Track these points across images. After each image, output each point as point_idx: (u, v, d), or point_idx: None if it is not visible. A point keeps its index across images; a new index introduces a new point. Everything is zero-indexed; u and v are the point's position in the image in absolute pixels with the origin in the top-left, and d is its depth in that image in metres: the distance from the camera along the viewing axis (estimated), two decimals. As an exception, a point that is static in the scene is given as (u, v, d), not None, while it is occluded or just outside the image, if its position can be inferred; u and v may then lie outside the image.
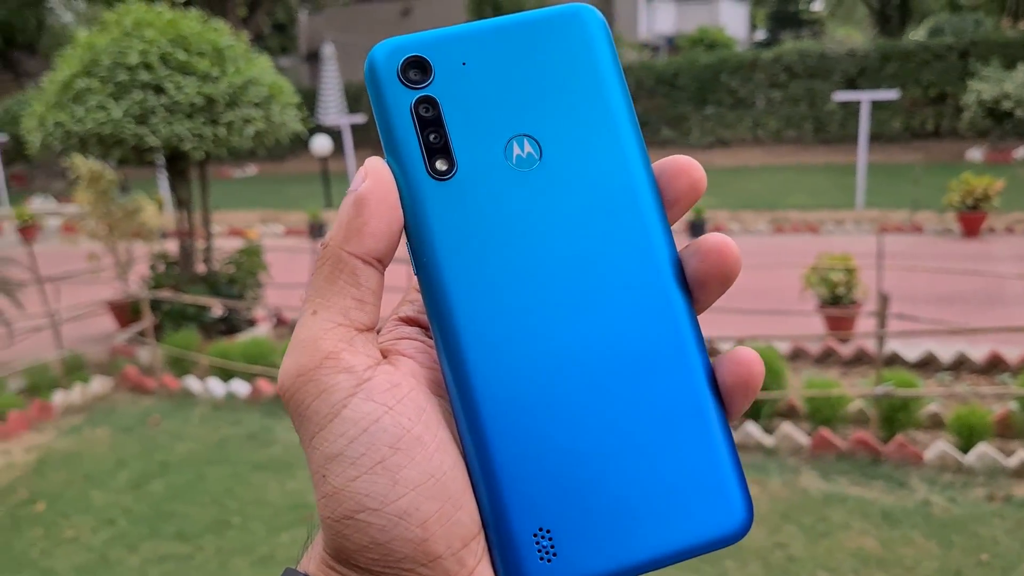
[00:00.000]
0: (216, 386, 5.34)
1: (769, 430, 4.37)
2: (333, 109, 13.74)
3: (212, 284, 6.39)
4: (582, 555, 0.35)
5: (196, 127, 5.66)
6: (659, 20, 28.73)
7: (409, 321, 0.40)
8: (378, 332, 0.39)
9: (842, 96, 11.99)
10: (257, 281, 6.61)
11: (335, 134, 14.55)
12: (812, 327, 5.98)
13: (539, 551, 0.35)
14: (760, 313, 6.37)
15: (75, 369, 5.80)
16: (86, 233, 6.91)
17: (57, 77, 5.81)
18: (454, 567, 0.35)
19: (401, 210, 0.37)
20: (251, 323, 6.64)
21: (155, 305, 6.07)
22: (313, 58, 21.57)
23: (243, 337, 6.12)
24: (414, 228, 0.37)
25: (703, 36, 21.43)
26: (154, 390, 5.50)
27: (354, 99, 18.29)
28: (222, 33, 6.02)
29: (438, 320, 0.36)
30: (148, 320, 5.68)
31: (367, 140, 19.60)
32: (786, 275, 6.73)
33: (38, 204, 15.48)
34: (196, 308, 6.16)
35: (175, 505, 4.00)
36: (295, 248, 8.23)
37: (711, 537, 0.36)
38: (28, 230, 12.36)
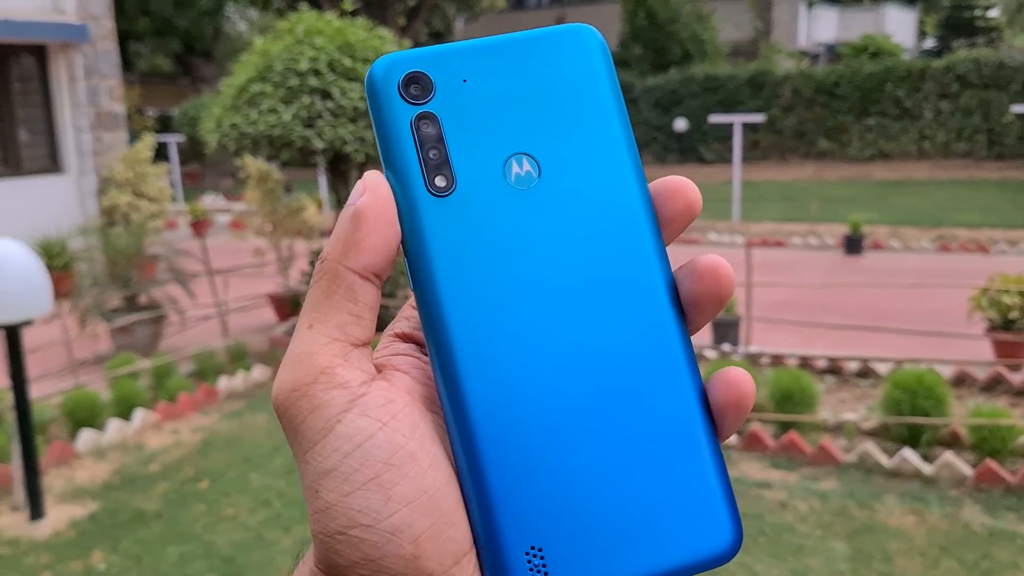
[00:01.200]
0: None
1: (928, 458, 4.15)
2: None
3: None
4: (573, 573, 0.36)
5: (358, 131, 5.89)
6: (820, 28, 27.79)
7: (405, 337, 0.40)
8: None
9: (1021, 108, 11.23)
10: (407, 280, 6.81)
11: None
12: (979, 352, 5.63)
13: (531, 569, 0.35)
14: (921, 335, 6.05)
15: (239, 357, 6.15)
16: (253, 229, 7.31)
17: (234, 82, 6.18)
18: None
19: (399, 225, 0.37)
20: (400, 321, 6.84)
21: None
22: (468, 65, 22.00)
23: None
24: (411, 244, 0.37)
25: (868, 44, 20.58)
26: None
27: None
28: (386, 40, 6.24)
29: (433, 337, 0.36)
30: (306, 314, 5.94)
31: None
32: (951, 296, 6.37)
33: (209, 201, 16.49)
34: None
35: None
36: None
37: (700, 557, 0.37)
38: (200, 225, 13.18)
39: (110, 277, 6.68)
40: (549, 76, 0.39)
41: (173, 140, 16.39)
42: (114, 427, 4.98)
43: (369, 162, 6.33)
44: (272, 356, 6.23)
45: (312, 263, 6.96)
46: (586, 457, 0.36)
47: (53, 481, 4.43)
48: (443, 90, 0.38)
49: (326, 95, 5.91)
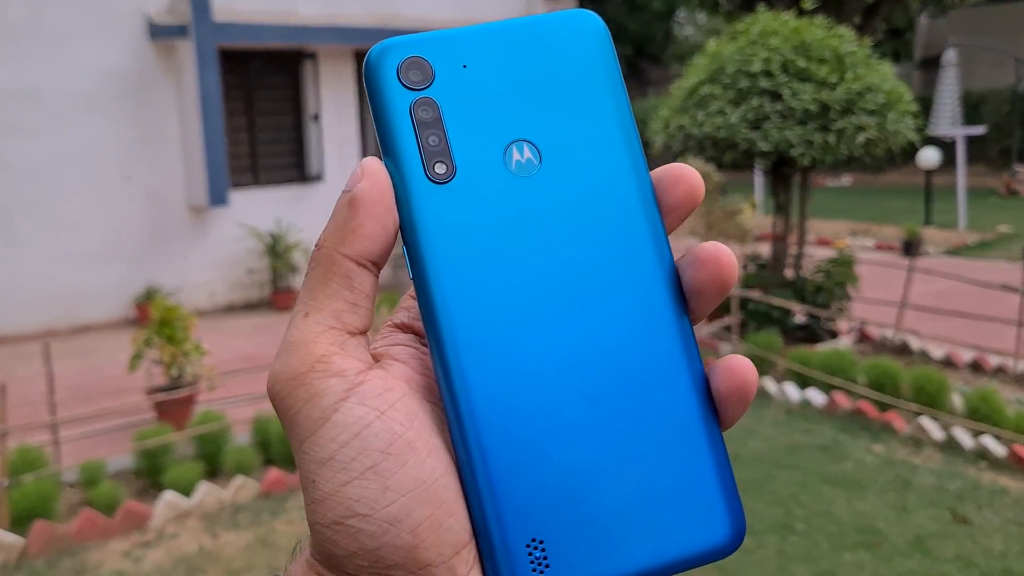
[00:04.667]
0: (792, 391, 5.36)
1: None
2: (947, 119, 12.78)
3: (799, 290, 6.42)
4: (575, 566, 0.35)
5: (807, 133, 5.71)
6: None
7: (404, 328, 0.39)
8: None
9: None
10: (845, 293, 6.47)
11: (945, 146, 13.55)
12: None
13: (532, 562, 0.34)
14: None
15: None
16: (686, 230, 7.44)
17: (684, 84, 6.33)
18: (444, 575, 0.34)
19: (397, 212, 0.36)
20: (833, 334, 6.53)
21: (743, 304, 6.30)
22: (928, 64, 20.28)
23: (824, 347, 6.04)
24: (410, 232, 0.36)
25: None
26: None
27: (972, 109, 16.79)
28: (844, 39, 5.97)
29: (433, 326, 0.35)
30: (735, 317, 5.91)
31: (981, 154, 17.86)
32: None
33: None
34: (780, 311, 6.25)
35: (743, 498, 4.12)
36: (887, 263, 7.86)
37: (703, 549, 0.36)
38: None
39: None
40: (550, 62, 0.38)
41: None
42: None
43: (815, 165, 6.11)
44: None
45: (744, 267, 6.91)
46: (586, 448, 0.35)
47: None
48: (443, 76, 0.37)
49: (776, 96, 5.81)
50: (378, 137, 0.37)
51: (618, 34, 24.53)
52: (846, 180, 19.99)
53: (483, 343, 0.35)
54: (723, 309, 6.71)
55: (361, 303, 0.36)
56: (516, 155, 0.37)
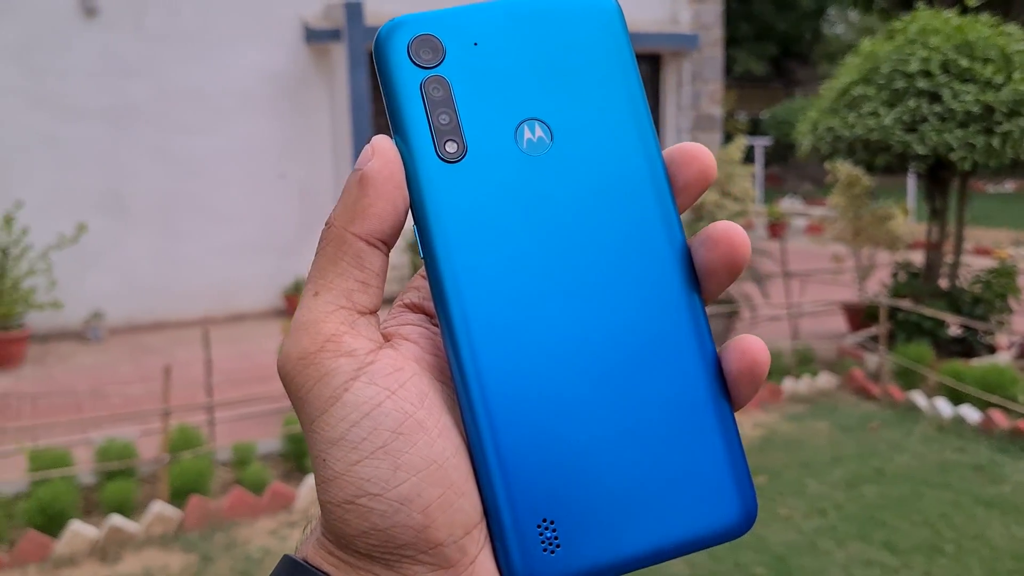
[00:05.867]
0: (944, 407, 5.09)
1: None
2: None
3: (954, 301, 6.10)
4: (586, 546, 0.34)
5: (968, 136, 5.41)
6: None
7: (414, 308, 0.38)
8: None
9: None
10: (1006, 306, 6.10)
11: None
12: None
13: (543, 542, 0.34)
14: None
15: (805, 361, 6.11)
16: (833, 235, 7.18)
17: (835, 84, 6.11)
18: (455, 555, 0.33)
19: (407, 191, 0.35)
20: (991, 349, 6.17)
21: (891, 313, 6.04)
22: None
23: (980, 361, 5.71)
24: (421, 211, 0.35)
25: None
26: (877, 396, 5.50)
27: None
28: (1014, 38, 5.62)
29: (444, 305, 0.35)
30: (883, 327, 5.67)
31: None
32: None
33: (786, 204, 16.62)
34: (933, 323, 5.95)
35: (886, 515, 3.95)
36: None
37: (715, 530, 0.36)
38: (776, 227, 13.37)
39: (693, 268, 7.11)
40: (562, 40, 0.37)
41: (760, 143, 16.84)
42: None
43: (976, 170, 5.79)
44: (840, 365, 6.07)
45: (895, 275, 6.61)
46: (598, 429, 0.35)
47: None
48: (453, 53, 0.36)
49: (935, 98, 5.53)
50: (388, 115, 0.37)
51: (765, 33, 23.89)
52: (1009, 186, 18.81)
53: (494, 322, 0.35)
54: (870, 318, 6.45)
55: (371, 282, 0.36)
56: (527, 134, 0.37)
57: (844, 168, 6.75)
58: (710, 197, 10.33)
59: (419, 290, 0.39)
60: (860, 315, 6.87)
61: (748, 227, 12.80)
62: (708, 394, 0.36)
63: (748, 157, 15.91)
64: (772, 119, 20.01)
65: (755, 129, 21.45)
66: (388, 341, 0.36)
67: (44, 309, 7.17)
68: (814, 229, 13.24)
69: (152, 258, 8.07)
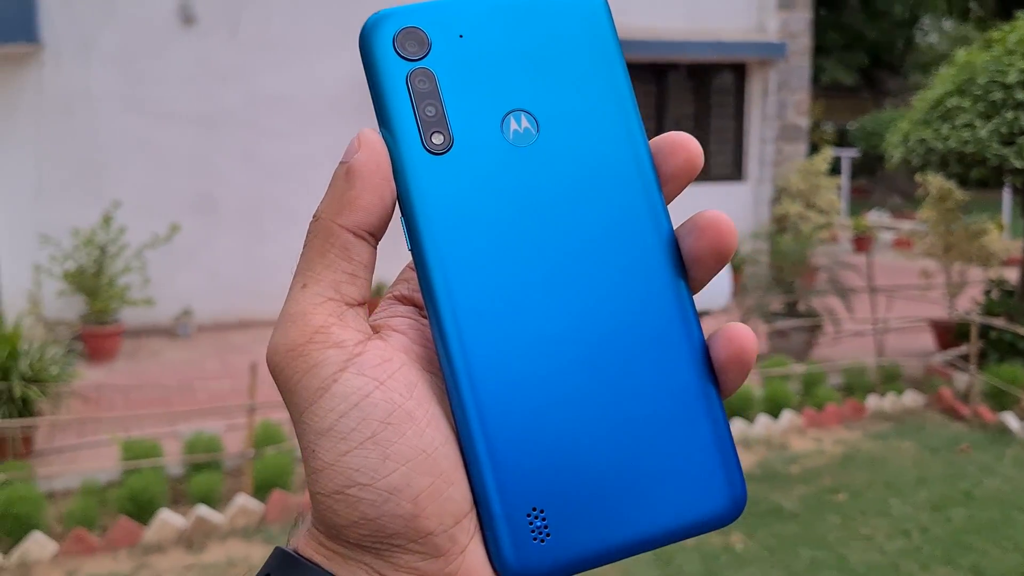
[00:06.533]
0: (1037, 430, 4.91)
1: None
2: None
3: (1050, 321, 5.86)
4: (576, 535, 0.35)
5: (1069, 150, 5.21)
6: None
7: (403, 299, 0.39)
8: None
9: None
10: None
11: None
12: None
13: (532, 531, 0.34)
14: None
15: (890, 379, 5.95)
16: (922, 250, 6.98)
17: (928, 95, 5.96)
18: (445, 544, 0.34)
19: (394, 183, 0.36)
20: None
21: (983, 332, 5.84)
22: None
23: (1077, 385, 5.48)
24: (408, 203, 0.36)
25: None
26: (967, 417, 5.32)
27: None
28: (1120, 48, 5.39)
29: (431, 296, 0.35)
30: (974, 346, 5.49)
31: None
32: None
33: (873, 217, 16.20)
34: (1028, 343, 5.73)
35: (974, 539, 3.82)
36: None
37: (704, 517, 0.36)
38: (862, 240, 13.04)
39: (774, 281, 7.01)
40: (548, 32, 0.37)
41: (847, 154, 16.46)
42: (762, 422, 5.23)
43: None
44: (927, 384, 5.90)
45: (988, 292, 6.39)
46: (586, 417, 0.35)
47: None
48: (439, 46, 0.37)
49: (1034, 110, 5.34)
50: (375, 108, 0.37)
51: (855, 42, 23.36)
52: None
53: (482, 313, 0.35)
54: (960, 336, 6.25)
55: (359, 274, 0.36)
56: (514, 125, 0.37)
57: (936, 181, 6.55)
58: (793, 208, 10.15)
59: (408, 282, 0.39)
60: (950, 333, 6.66)
61: (832, 240, 12.55)
62: (696, 382, 0.36)
63: (834, 169, 15.58)
64: (860, 130, 19.54)
65: (842, 140, 20.97)
66: (377, 332, 0.37)
67: (138, 305, 7.45)
68: (902, 243, 12.87)
69: (240, 258, 8.30)
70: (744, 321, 6.78)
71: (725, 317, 6.80)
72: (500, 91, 0.37)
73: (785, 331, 6.68)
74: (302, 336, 0.35)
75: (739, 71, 10.20)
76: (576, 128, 0.37)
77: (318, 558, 0.35)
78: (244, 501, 4.02)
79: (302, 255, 0.36)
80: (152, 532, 3.83)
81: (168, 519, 3.87)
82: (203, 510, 3.94)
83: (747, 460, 4.84)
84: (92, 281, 7.21)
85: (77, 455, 4.88)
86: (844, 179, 16.26)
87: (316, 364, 0.34)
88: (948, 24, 23.63)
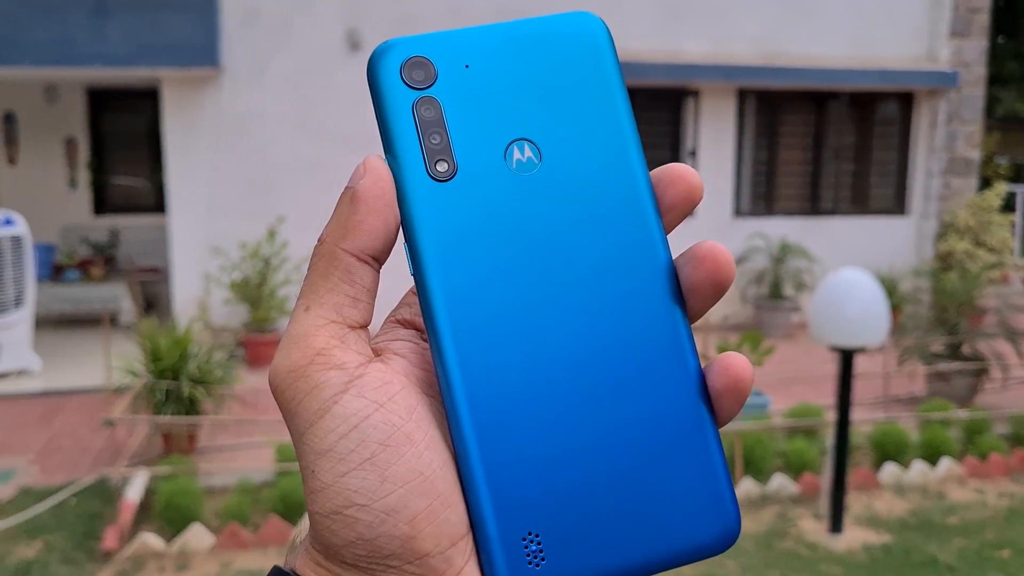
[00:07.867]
0: None
1: None
2: None
3: None
4: (571, 560, 0.35)
5: None
6: None
7: (405, 323, 0.39)
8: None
9: None
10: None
11: None
12: None
13: (527, 555, 0.34)
14: None
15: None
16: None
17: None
18: (441, 566, 0.34)
19: (398, 209, 0.36)
20: None
21: None
22: None
23: None
24: (411, 228, 0.36)
25: None
26: None
27: None
28: None
29: (432, 321, 0.36)
30: None
31: None
32: None
33: (1052, 258, 15.09)
34: None
35: None
36: None
37: (701, 544, 0.36)
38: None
39: (936, 321, 6.65)
40: (552, 62, 0.38)
41: (1023, 191, 15.45)
42: (918, 468, 4.96)
43: None
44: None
45: None
46: (585, 443, 0.36)
47: (852, 502, 4.63)
48: (445, 75, 0.37)
49: None
50: (380, 134, 0.37)
51: (1033, 73, 21.95)
52: None
53: (482, 339, 0.36)
54: None
55: (362, 297, 0.36)
56: (517, 154, 0.37)
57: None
58: (960, 246, 9.60)
59: (411, 306, 0.40)
60: None
61: (1003, 280, 11.78)
62: (693, 410, 0.37)
63: (1008, 205, 14.66)
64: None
65: (1018, 175, 19.70)
66: (379, 355, 0.37)
67: (295, 316, 7.81)
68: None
69: (388, 272, 8.56)
70: (901, 362, 6.46)
71: (881, 356, 6.49)
72: (504, 120, 0.38)
73: (947, 374, 6.32)
74: (304, 358, 0.35)
75: (906, 100, 9.77)
76: (578, 158, 0.38)
77: None
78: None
79: (306, 278, 0.37)
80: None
81: (315, 521, 4.02)
82: (347, 515, 4.08)
83: (900, 507, 4.61)
84: (255, 291, 7.63)
85: (235, 454, 5.16)
86: (1019, 217, 15.24)
87: (317, 385, 0.35)
88: None
